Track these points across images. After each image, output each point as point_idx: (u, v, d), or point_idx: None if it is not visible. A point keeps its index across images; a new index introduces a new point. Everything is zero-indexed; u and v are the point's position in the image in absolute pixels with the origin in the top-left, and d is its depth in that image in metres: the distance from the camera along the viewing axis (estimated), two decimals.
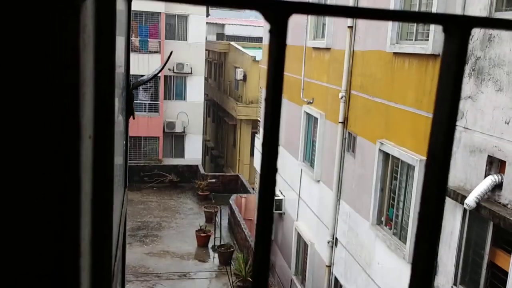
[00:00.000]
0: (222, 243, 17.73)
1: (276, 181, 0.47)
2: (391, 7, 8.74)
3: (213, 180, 23.60)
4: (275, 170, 0.47)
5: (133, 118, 1.87)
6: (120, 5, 1.31)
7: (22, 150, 0.46)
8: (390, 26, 8.78)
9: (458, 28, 0.46)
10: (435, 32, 7.49)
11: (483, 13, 6.52)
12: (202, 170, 25.56)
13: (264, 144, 0.44)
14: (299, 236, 13.61)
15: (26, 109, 0.45)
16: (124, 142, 1.85)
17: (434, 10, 7.52)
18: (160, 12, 25.70)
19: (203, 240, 18.13)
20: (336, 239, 11.24)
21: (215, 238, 18.04)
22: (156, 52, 25.90)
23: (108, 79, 0.71)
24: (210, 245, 18.15)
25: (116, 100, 1.31)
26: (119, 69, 1.37)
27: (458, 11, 6.97)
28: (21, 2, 0.42)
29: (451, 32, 0.47)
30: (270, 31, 0.43)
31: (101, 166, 0.70)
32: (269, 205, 0.46)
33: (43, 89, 0.44)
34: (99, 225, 0.72)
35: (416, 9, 8.34)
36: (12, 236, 0.49)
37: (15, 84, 0.44)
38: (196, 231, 18.37)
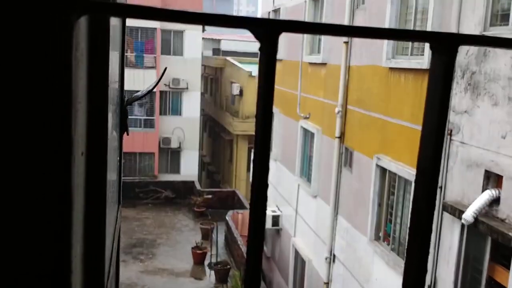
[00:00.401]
0: (218, 260, 17.57)
1: (267, 197, 0.46)
2: (386, 22, 8.81)
3: (209, 196, 23.49)
4: (266, 184, 0.47)
5: (127, 134, 1.84)
6: (114, 21, 1.29)
7: (12, 166, 0.44)
8: (385, 41, 8.84)
9: (445, 46, 0.47)
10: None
11: (478, 28, 6.56)
12: (198, 186, 25.46)
13: (255, 160, 0.44)
14: (296, 252, 13.51)
15: (17, 126, 0.43)
16: (118, 158, 1.82)
17: (429, 24, 7.57)
18: (156, 28, 25.83)
19: (199, 257, 17.97)
20: (334, 255, 11.16)
21: (211, 255, 17.89)
22: (151, 67, 25.97)
23: (102, 96, 0.69)
24: (206, 263, 17.99)
25: (110, 116, 1.28)
26: (113, 85, 1.35)
27: (453, 25, 7.02)
28: (15, 19, 0.41)
29: (438, 50, 0.48)
30: (260, 49, 0.43)
31: (94, 183, 0.67)
32: (260, 219, 0.45)
33: (34, 106, 0.43)
34: (91, 243, 0.70)
35: (412, 24, 8.40)
36: (1, 251, 0.48)
37: (7, 100, 0.43)
38: (192, 248, 18.22)
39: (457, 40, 0.46)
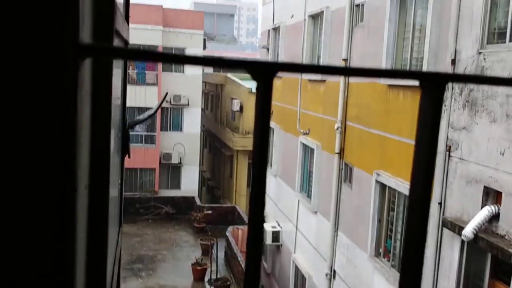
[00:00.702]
0: (218, 276, 17.47)
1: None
2: (385, 40, 8.90)
3: (210, 212, 23.42)
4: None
5: (129, 157, 1.88)
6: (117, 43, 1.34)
7: (15, 201, 0.47)
8: (384, 59, 8.93)
9: (433, 84, 0.49)
10: (429, 64, 7.60)
11: (475, 46, 6.63)
12: (198, 202, 25.40)
13: (251, 204, 0.47)
14: (296, 269, 13.45)
15: (25, 162, 0.46)
16: (119, 181, 1.86)
17: (426, 42, 7.65)
18: (157, 46, 26.03)
19: (199, 273, 17.86)
20: (334, 271, 11.11)
21: (211, 271, 17.78)
22: (153, 84, 26.12)
23: (104, 130, 0.73)
24: (206, 279, 17.87)
25: (112, 141, 1.32)
26: (116, 110, 1.39)
27: (450, 43, 7.10)
28: (22, 59, 0.44)
29: (426, 87, 0.50)
30: (257, 89, 0.47)
31: (96, 215, 0.70)
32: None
33: (42, 143, 0.46)
34: (93, 273, 0.72)
35: (409, 41, 8.48)
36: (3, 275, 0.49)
37: (13, 135, 0.46)
38: (192, 264, 18.12)
39: (445, 78, 0.49)
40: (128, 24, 1.73)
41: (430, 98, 0.49)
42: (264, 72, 0.46)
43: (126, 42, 1.54)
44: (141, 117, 3.07)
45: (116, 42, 1.02)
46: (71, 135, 0.45)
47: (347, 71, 0.52)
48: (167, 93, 3.92)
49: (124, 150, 1.73)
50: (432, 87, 0.49)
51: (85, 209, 0.65)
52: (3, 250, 0.47)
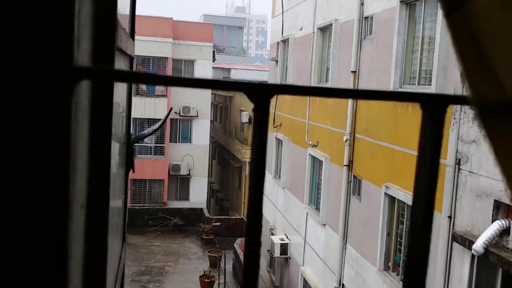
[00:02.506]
0: None
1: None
2: (394, 52, 8.89)
3: (218, 224, 23.39)
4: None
5: (133, 172, 1.89)
6: (121, 66, 1.34)
7: (6, 221, 0.46)
8: (393, 70, 8.92)
9: (434, 105, 0.49)
10: (438, 77, 7.58)
11: None
12: (206, 213, 25.37)
13: (247, 225, 0.46)
14: (305, 282, 13.34)
15: (14, 183, 0.46)
16: (124, 196, 1.86)
17: (436, 55, 7.63)
18: (167, 57, 26.23)
19: (207, 285, 17.79)
20: (343, 285, 11.01)
21: (219, 283, 17.70)
22: (162, 96, 26.28)
23: (104, 149, 0.73)
24: None
25: (116, 156, 1.33)
26: (120, 123, 1.39)
27: None
28: (13, 81, 0.44)
29: (427, 109, 0.50)
30: (254, 110, 0.48)
31: (94, 234, 0.70)
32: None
33: (31, 165, 0.45)
34: None
35: (418, 54, 8.47)
36: None
37: (3, 157, 0.45)
38: (200, 276, 18.05)
39: (446, 99, 0.49)
40: (133, 39, 1.75)
41: (431, 120, 0.49)
42: (260, 94, 0.46)
43: (131, 58, 1.55)
44: (146, 132, 3.08)
45: (119, 60, 1.02)
46: (64, 157, 0.45)
47: (346, 93, 0.52)
48: (171, 108, 3.95)
49: (129, 165, 1.74)
50: (433, 109, 0.49)
51: (82, 230, 0.65)
52: None
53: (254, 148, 0.47)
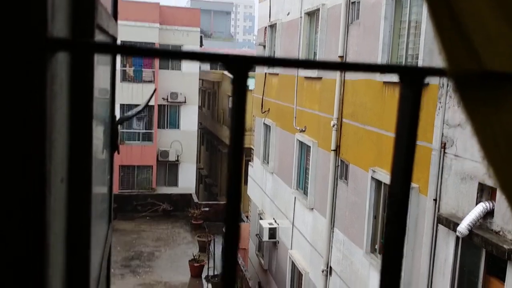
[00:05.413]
0: (216, 273, 17.50)
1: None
2: (380, 37, 8.91)
3: (207, 209, 23.46)
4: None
5: (118, 153, 1.89)
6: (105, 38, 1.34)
7: None
8: (380, 55, 8.94)
9: (412, 78, 0.51)
10: (424, 61, 7.62)
11: None
12: (195, 199, 25.41)
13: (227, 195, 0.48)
14: (293, 265, 13.48)
15: None
16: (109, 177, 1.86)
17: (422, 39, 7.67)
18: (154, 43, 25.99)
19: (196, 270, 17.90)
20: (331, 267, 11.15)
21: (208, 267, 17.82)
22: (150, 81, 26.09)
23: (85, 123, 0.73)
24: (203, 275, 17.91)
25: (100, 137, 1.33)
26: (103, 104, 1.39)
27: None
28: None
29: (406, 81, 0.51)
30: (232, 82, 0.49)
31: (76, 208, 0.71)
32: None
33: (4, 134, 0.45)
34: (75, 273, 0.72)
35: (405, 38, 8.50)
36: None
37: None
38: (190, 260, 18.15)
39: (423, 72, 0.50)
40: (116, 21, 1.74)
41: (409, 92, 0.50)
42: (239, 66, 0.47)
43: (114, 38, 1.54)
44: (130, 113, 3.08)
45: (101, 38, 1.02)
46: (39, 127, 0.46)
47: (325, 65, 0.54)
48: (155, 89, 3.94)
49: (113, 146, 1.74)
50: (411, 81, 0.50)
51: (63, 203, 0.66)
52: None
53: (233, 119, 0.48)
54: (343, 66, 0.56)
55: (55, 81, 0.52)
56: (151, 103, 25.64)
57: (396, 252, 0.52)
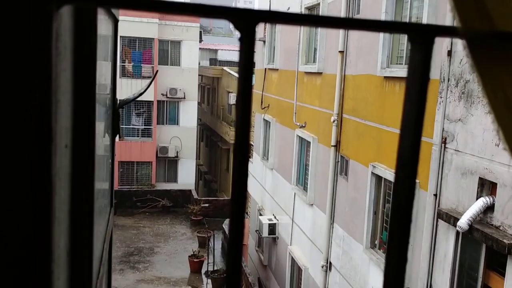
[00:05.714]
0: (215, 268, 17.52)
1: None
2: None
3: (206, 205, 23.47)
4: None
5: (119, 137, 1.87)
6: (106, 29, 1.32)
7: None
8: (380, 51, 8.91)
9: (422, 37, 0.48)
10: None
11: None
12: (195, 195, 25.43)
13: (235, 152, 0.45)
14: (293, 261, 13.49)
15: None
16: (110, 161, 1.85)
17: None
18: (153, 38, 25.95)
19: (196, 265, 17.91)
20: (330, 263, 11.15)
21: (208, 263, 17.84)
22: (149, 77, 26.04)
23: (89, 90, 0.71)
24: (203, 271, 17.93)
25: (102, 117, 1.31)
26: (105, 87, 1.38)
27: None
28: None
29: (415, 41, 0.49)
30: (240, 39, 0.46)
31: (80, 176, 0.69)
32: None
33: (11, 96, 0.44)
34: (78, 237, 0.71)
35: (405, 36, 8.46)
36: None
37: None
38: (189, 256, 18.17)
39: (434, 30, 0.48)
40: None
41: (419, 53, 0.48)
42: (246, 21, 0.45)
43: (115, 20, 1.52)
44: (131, 96, 3.07)
45: (103, 15, 1.00)
46: (45, 84, 0.44)
47: (333, 22, 0.51)
48: (157, 71, 3.92)
49: (115, 130, 1.73)
50: (421, 41, 0.48)
51: (67, 168, 0.65)
52: None
53: (240, 80, 0.46)
54: (349, 22, 0.52)
55: (60, 39, 0.50)
56: (150, 99, 25.62)
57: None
